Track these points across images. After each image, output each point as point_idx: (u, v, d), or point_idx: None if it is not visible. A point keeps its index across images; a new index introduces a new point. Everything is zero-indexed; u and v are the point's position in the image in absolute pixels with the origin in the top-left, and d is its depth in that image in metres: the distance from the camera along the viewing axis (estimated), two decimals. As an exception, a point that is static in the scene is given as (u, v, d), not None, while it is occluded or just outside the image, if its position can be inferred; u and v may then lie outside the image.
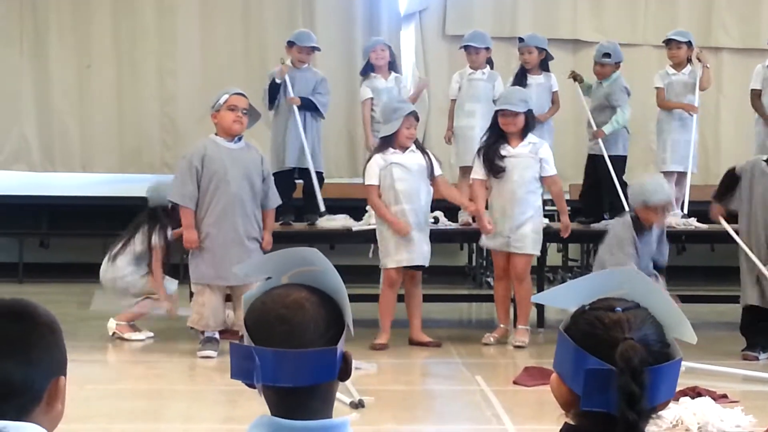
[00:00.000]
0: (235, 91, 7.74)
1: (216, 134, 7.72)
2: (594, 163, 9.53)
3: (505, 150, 8.00)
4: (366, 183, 7.99)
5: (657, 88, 9.62)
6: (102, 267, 8.50)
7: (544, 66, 9.56)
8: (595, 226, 9.48)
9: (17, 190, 12.82)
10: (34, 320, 1.94)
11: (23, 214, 12.84)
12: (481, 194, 8.10)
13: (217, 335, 7.64)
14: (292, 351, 2.04)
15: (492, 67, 9.53)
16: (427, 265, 7.95)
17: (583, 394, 1.92)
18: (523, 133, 8.03)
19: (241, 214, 7.57)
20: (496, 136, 8.07)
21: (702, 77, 9.67)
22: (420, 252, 7.84)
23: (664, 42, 9.77)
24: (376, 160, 7.94)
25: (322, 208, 9.18)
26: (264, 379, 2.04)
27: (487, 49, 9.47)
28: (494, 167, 8.01)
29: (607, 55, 9.66)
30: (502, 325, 8.23)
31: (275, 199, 7.91)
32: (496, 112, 8.11)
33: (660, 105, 9.64)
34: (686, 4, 12.83)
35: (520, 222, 7.96)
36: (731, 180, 7.89)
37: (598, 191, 9.45)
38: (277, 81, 9.20)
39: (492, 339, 8.11)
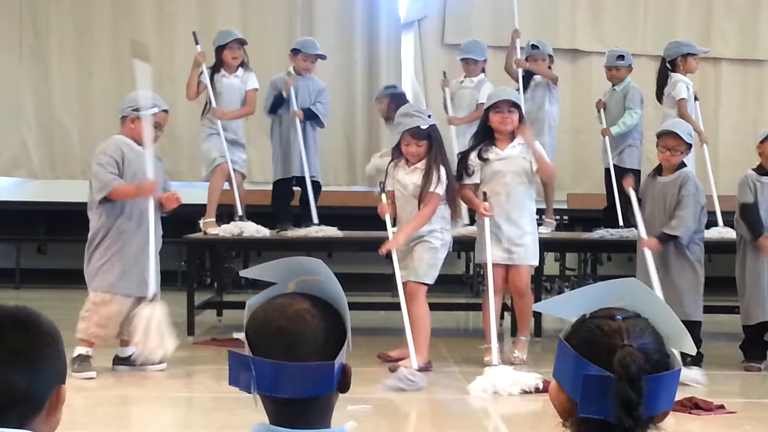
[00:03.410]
0: (164, 107, 7.39)
1: (122, 135, 7.31)
2: (610, 175, 9.52)
3: (493, 153, 7.58)
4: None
5: (682, 99, 9.18)
6: None
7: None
8: (589, 235, 9.49)
9: (14, 196, 12.83)
10: (37, 329, 1.94)
11: (20, 220, 12.84)
12: (471, 195, 7.62)
13: (91, 352, 7.04)
14: (290, 363, 2.03)
15: (485, 75, 9.62)
16: (407, 279, 7.36)
17: (581, 401, 1.92)
18: (512, 136, 7.59)
19: (155, 220, 7.21)
20: (482, 138, 7.64)
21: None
22: (405, 267, 7.40)
23: (692, 53, 9.35)
24: (390, 172, 7.60)
25: (316, 219, 9.17)
26: (261, 389, 2.04)
27: (485, 59, 9.63)
28: (467, 167, 7.63)
29: (621, 57, 9.68)
30: (490, 345, 7.40)
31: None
32: (486, 112, 7.61)
33: (685, 117, 8.95)
34: (685, 15, 12.84)
35: (519, 231, 7.60)
36: (753, 211, 7.84)
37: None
38: (284, 95, 9.20)
39: (498, 361, 7.29)
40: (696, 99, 9.61)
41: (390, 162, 7.66)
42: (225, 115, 9.08)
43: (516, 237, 7.63)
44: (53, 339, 1.96)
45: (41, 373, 1.91)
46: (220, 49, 9.18)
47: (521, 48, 9.94)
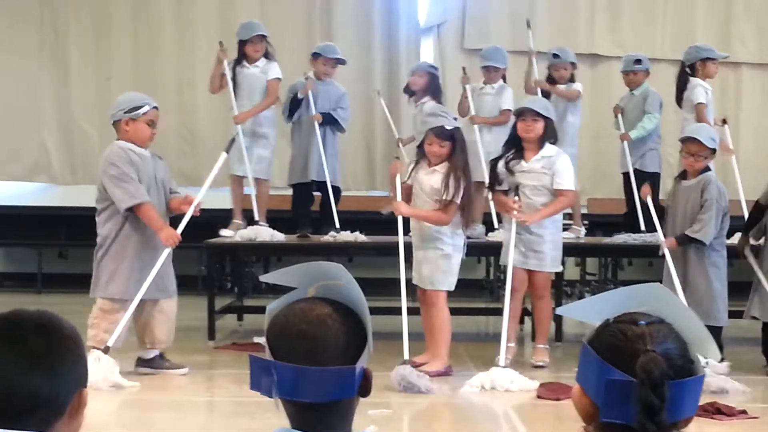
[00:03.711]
0: (155, 104, 7.31)
1: (122, 140, 7.23)
2: (628, 180, 9.49)
3: (518, 165, 7.70)
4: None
5: (700, 103, 9.11)
6: None
7: (572, 79, 9.69)
8: (611, 239, 9.46)
9: (35, 201, 12.89)
10: (59, 333, 1.95)
11: (42, 225, 12.90)
12: (504, 199, 7.74)
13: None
14: (311, 368, 2.04)
15: (504, 81, 9.60)
16: (424, 287, 7.48)
17: (603, 406, 1.93)
18: (540, 144, 7.70)
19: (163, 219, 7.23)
20: (512, 148, 7.78)
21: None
22: (418, 272, 7.51)
23: (712, 57, 9.31)
24: (409, 168, 7.67)
25: (337, 225, 9.17)
26: (282, 393, 2.05)
27: (505, 67, 9.65)
28: (497, 176, 7.82)
29: (638, 61, 9.64)
30: (511, 345, 7.67)
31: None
32: (516, 121, 7.79)
33: (702, 122, 8.92)
34: (704, 18, 12.79)
35: (537, 239, 7.66)
36: (758, 211, 7.98)
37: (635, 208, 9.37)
38: (300, 97, 9.22)
39: (505, 362, 7.40)
40: (725, 123, 9.62)
41: (414, 162, 7.65)
42: (245, 116, 9.11)
43: (535, 244, 7.68)
44: (74, 343, 1.97)
45: (63, 377, 1.92)
46: (242, 43, 9.25)
47: (536, 52, 9.96)
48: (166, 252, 7.12)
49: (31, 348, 1.91)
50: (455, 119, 7.58)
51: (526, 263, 7.68)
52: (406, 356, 6.99)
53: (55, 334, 1.95)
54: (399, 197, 7.44)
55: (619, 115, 9.69)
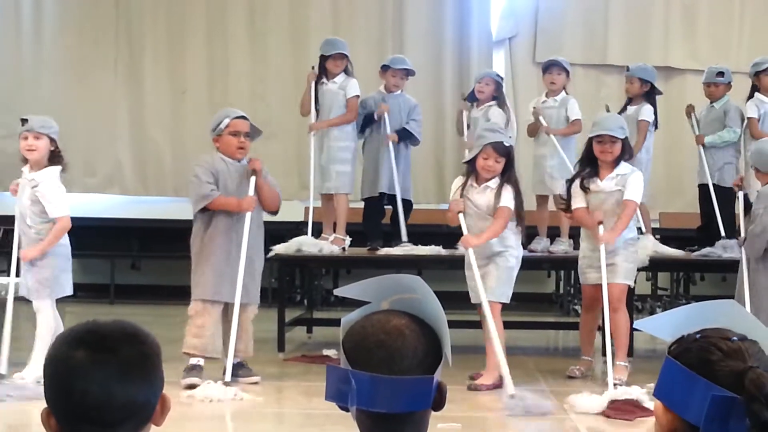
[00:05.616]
0: (236, 114, 7.54)
1: (220, 153, 7.55)
2: (704, 192, 9.40)
3: (594, 184, 7.62)
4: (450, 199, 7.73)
5: (750, 118, 9.22)
6: None
7: (649, 98, 9.36)
8: (688, 254, 9.35)
9: (109, 213, 13.05)
10: (146, 343, 2.02)
11: (115, 237, 13.05)
12: (588, 219, 7.63)
13: (202, 362, 7.30)
14: (389, 377, 2.04)
15: (566, 93, 9.40)
16: (491, 299, 7.32)
17: (705, 422, 1.89)
18: (616, 162, 7.60)
19: (249, 229, 7.35)
20: (587, 166, 7.69)
21: None
22: (473, 289, 7.41)
23: (760, 70, 9.33)
24: (458, 183, 7.64)
25: (405, 237, 9.15)
26: (359, 403, 2.05)
27: (567, 74, 9.30)
28: (570, 195, 7.77)
29: (721, 74, 9.52)
30: (586, 358, 7.89)
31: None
32: (590, 139, 7.66)
33: (755, 136, 9.02)
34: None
35: (610, 252, 7.49)
36: None
37: (713, 222, 9.25)
38: (376, 119, 9.25)
39: (577, 372, 7.81)
40: None
41: (463, 182, 7.58)
42: (319, 125, 9.17)
43: (608, 256, 7.52)
44: (157, 349, 2.04)
45: (152, 384, 1.99)
46: (323, 59, 9.32)
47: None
48: (248, 216, 7.31)
49: (124, 358, 1.96)
50: (510, 137, 7.64)
51: (600, 277, 7.55)
52: (511, 390, 6.82)
53: (144, 345, 2.01)
54: (465, 231, 7.39)
55: (693, 115, 9.58)
